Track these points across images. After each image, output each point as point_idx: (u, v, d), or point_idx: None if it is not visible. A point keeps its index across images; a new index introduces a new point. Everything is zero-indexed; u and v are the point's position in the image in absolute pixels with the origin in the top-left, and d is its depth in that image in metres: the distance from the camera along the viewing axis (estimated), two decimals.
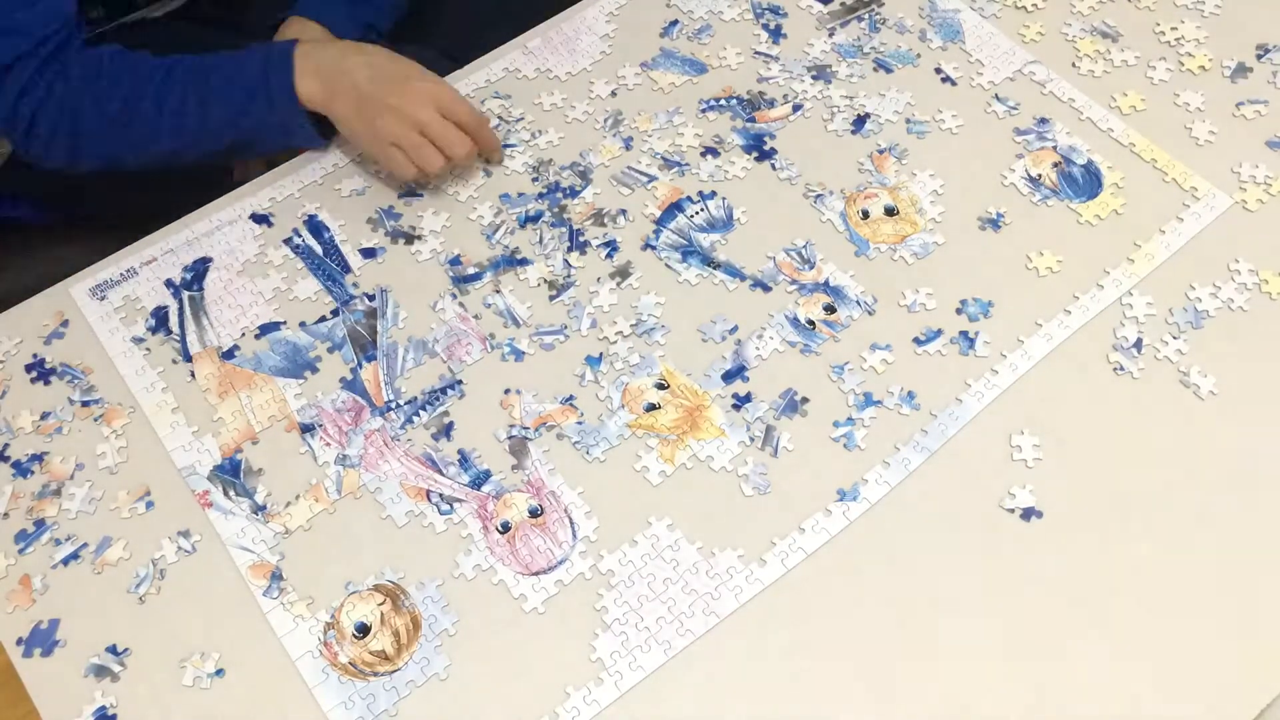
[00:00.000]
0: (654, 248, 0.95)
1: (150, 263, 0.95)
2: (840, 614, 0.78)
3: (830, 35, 1.08)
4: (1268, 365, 0.88)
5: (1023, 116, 1.02)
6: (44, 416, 0.87)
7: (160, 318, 0.92)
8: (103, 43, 0.96)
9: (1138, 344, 0.89)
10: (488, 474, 0.83)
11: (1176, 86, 1.03)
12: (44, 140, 0.93)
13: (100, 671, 0.76)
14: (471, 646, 0.77)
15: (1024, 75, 1.04)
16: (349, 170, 1.00)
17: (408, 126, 0.92)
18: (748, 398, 0.87)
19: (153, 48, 0.96)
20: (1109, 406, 0.86)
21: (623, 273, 0.93)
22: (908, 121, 1.02)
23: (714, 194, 0.98)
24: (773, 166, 0.99)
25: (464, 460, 0.84)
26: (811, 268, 0.93)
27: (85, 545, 0.81)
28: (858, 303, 0.91)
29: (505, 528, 0.81)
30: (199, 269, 0.94)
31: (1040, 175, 0.98)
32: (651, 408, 0.86)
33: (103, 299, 0.93)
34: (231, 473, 0.84)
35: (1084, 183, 0.97)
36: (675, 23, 1.09)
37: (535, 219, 0.96)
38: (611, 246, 0.94)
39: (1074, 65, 1.05)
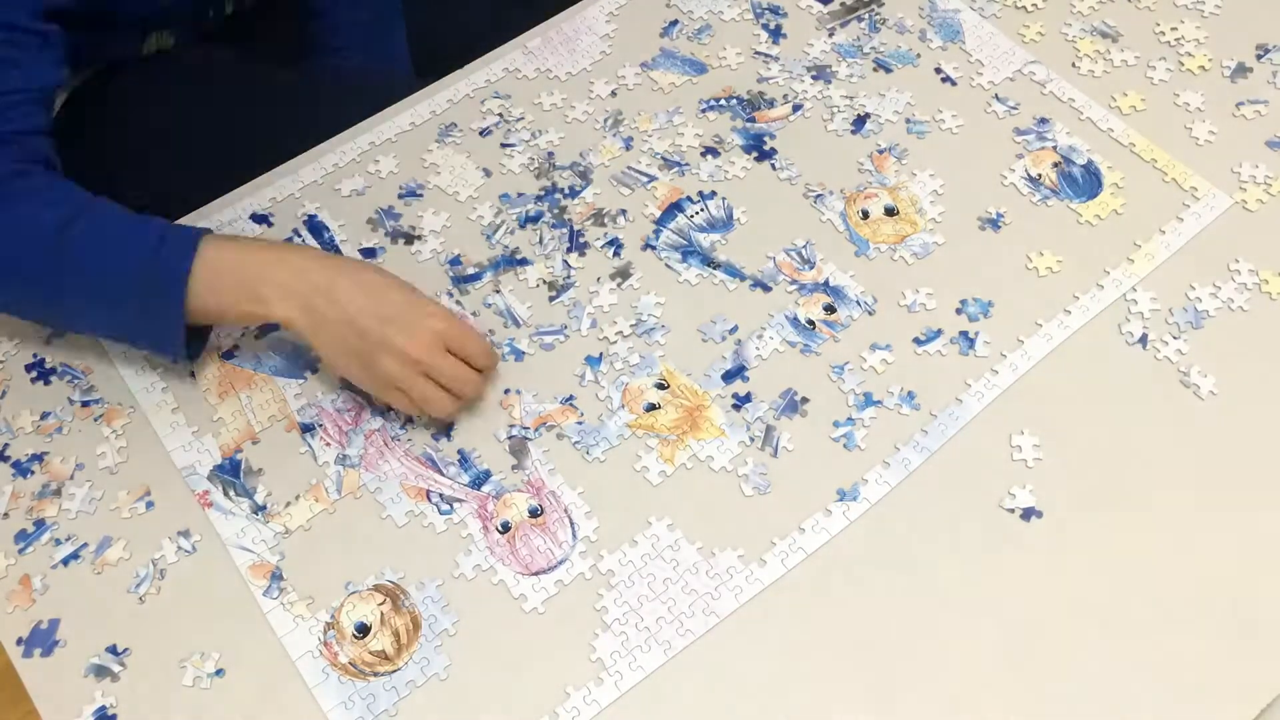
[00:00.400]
0: (654, 248, 0.95)
1: None
2: (840, 614, 0.78)
3: (830, 35, 1.08)
4: (1268, 365, 0.88)
5: (1023, 116, 1.02)
6: (44, 416, 0.87)
7: None
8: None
9: (1141, 341, 0.89)
10: (488, 474, 0.83)
11: (1176, 86, 1.03)
12: None
13: (100, 671, 0.76)
14: (471, 646, 0.77)
15: (1024, 75, 1.04)
16: (349, 170, 1.00)
17: (413, 371, 0.81)
18: (748, 398, 0.87)
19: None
20: (1109, 406, 0.86)
21: (623, 273, 0.93)
22: (908, 121, 1.02)
23: (714, 194, 0.98)
24: (773, 166, 0.99)
25: (464, 460, 0.84)
26: (811, 268, 0.93)
27: (85, 545, 0.81)
28: (858, 303, 0.91)
29: (505, 528, 0.81)
30: None
31: (1040, 175, 0.98)
32: (651, 408, 0.86)
33: None
34: (231, 473, 0.84)
35: (1084, 183, 0.97)
36: (675, 23, 1.09)
37: (535, 219, 0.96)
38: (612, 246, 0.95)
39: (1074, 65, 1.05)
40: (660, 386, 0.87)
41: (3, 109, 0.81)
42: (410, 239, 0.96)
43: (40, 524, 0.82)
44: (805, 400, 0.86)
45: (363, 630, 0.77)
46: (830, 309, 0.91)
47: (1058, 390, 0.87)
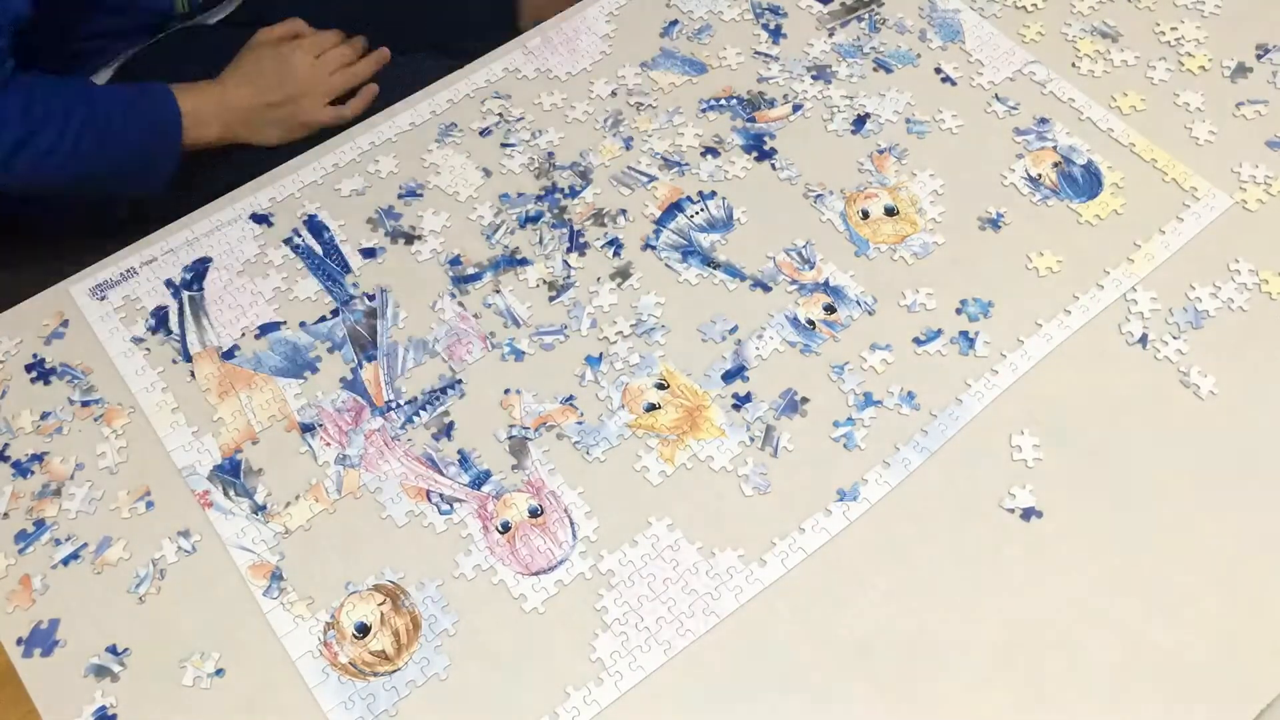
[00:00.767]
0: (654, 248, 0.95)
1: (150, 263, 0.95)
2: (840, 614, 0.78)
3: (830, 35, 1.08)
4: (1268, 365, 0.88)
5: (1023, 116, 1.02)
6: (44, 416, 0.87)
7: (160, 318, 0.92)
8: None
9: (1141, 341, 0.89)
10: (488, 474, 0.83)
11: (1176, 86, 1.03)
12: None
13: (100, 671, 0.76)
14: (471, 646, 0.77)
15: (1024, 75, 1.04)
16: (349, 170, 1.00)
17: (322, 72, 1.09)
18: (748, 398, 0.87)
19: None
20: (1109, 406, 0.86)
21: (623, 273, 0.93)
22: (908, 121, 1.02)
23: (714, 194, 0.98)
24: (773, 166, 0.99)
25: (464, 460, 0.84)
26: (811, 268, 0.93)
27: (85, 545, 0.81)
28: (858, 303, 0.91)
29: (505, 528, 0.81)
30: (199, 269, 0.94)
31: (1040, 175, 0.98)
32: (651, 408, 0.86)
33: (103, 299, 0.93)
34: (231, 473, 0.84)
35: (1084, 183, 0.97)
36: (675, 23, 1.09)
37: (535, 219, 0.96)
38: (612, 246, 0.95)
39: (1074, 65, 1.05)
40: (660, 386, 0.87)
41: None
42: (410, 239, 0.96)
43: (40, 524, 0.82)
44: (805, 400, 0.86)
45: (363, 630, 0.77)
46: (830, 309, 0.91)
47: (1058, 390, 0.87)
